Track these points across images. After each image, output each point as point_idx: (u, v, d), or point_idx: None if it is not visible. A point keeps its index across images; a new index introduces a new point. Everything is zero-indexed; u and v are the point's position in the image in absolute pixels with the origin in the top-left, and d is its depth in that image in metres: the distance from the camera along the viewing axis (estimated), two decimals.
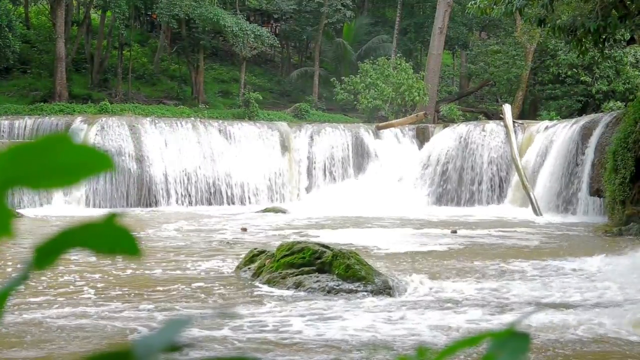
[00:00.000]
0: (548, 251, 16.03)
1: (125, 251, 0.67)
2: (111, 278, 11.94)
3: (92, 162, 0.65)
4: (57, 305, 9.75)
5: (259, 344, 8.05)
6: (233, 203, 27.93)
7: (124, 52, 36.84)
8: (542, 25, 18.60)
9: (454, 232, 19.40)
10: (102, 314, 9.30)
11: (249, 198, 28.37)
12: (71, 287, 11.14)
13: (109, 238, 0.65)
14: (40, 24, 41.01)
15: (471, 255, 15.05)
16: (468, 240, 17.85)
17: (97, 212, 24.37)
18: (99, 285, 11.33)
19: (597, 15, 16.92)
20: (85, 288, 11.08)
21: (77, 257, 14.15)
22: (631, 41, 21.45)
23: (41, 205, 24.85)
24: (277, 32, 43.09)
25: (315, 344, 8.05)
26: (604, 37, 17.77)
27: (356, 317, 9.19)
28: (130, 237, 0.66)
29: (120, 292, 10.78)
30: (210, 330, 8.39)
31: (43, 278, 11.71)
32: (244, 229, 19.45)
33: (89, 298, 10.39)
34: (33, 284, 11.29)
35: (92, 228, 0.65)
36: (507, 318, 9.28)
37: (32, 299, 10.15)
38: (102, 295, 10.54)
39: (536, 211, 24.46)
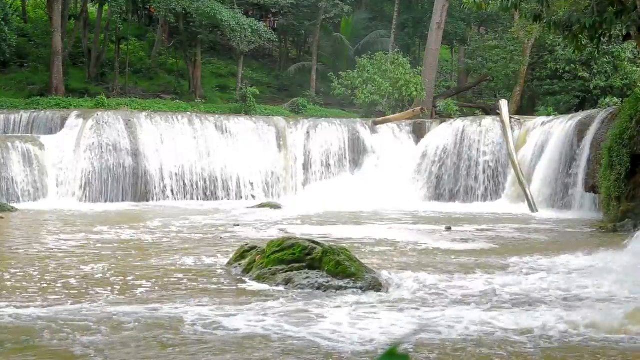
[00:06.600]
0: (543, 247, 15.99)
1: None
2: (103, 272, 11.90)
3: None
4: (38, 300, 9.73)
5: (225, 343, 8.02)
6: (229, 198, 27.87)
7: (121, 46, 36.72)
8: (538, 21, 18.50)
9: (449, 228, 19.33)
10: (89, 309, 9.24)
11: (245, 193, 28.31)
12: (44, 284, 11.10)
13: None
14: (38, 17, 40.89)
15: (465, 252, 15.01)
16: (462, 236, 17.80)
17: (92, 207, 24.33)
18: (88, 279, 11.28)
19: (593, 11, 16.82)
20: (75, 284, 11.04)
21: (62, 254, 14.14)
22: (627, 37, 21.36)
23: (36, 199, 24.79)
24: (275, 26, 43.00)
25: (285, 342, 7.99)
26: (600, 33, 17.66)
27: (340, 315, 9.14)
28: None
29: (110, 286, 10.73)
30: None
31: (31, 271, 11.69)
32: (237, 225, 19.41)
33: (80, 294, 10.34)
34: (30, 278, 11.27)
35: None
36: (498, 316, 9.23)
37: (26, 294, 10.12)
38: (92, 290, 10.49)
39: (532, 207, 24.41)
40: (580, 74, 33.79)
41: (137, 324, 8.58)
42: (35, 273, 11.73)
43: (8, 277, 11.42)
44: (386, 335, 8.20)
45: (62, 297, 10.09)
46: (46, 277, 11.40)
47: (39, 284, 10.89)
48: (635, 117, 19.65)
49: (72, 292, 10.45)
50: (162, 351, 7.60)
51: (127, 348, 7.65)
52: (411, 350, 7.69)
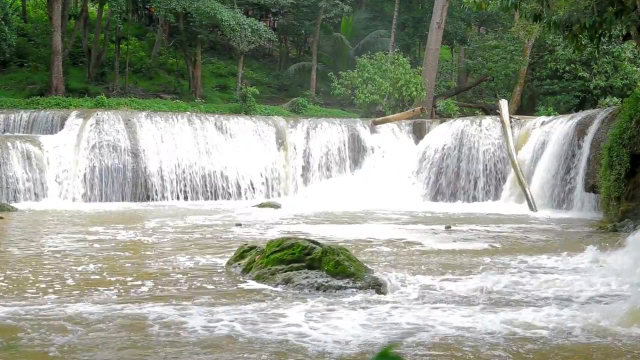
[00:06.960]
0: (542, 247, 15.99)
1: None
2: (101, 273, 11.90)
3: None
4: (31, 300, 9.73)
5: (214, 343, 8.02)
6: (228, 198, 27.88)
7: (121, 45, 36.72)
8: (538, 21, 18.51)
9: (448, 227, 19.35)
10: (87, 308, 9.24)
11: (245, 193, 28.31)
12: (42, 285, 11.10)
13: None
14: (38, 17, 40.91)
15: (465, 252, 15.00)
16: (462, 236, 17.80)
17: (92, 207, 24.33)
18: (84, 279, 11.29)
19: (593, 11, 16.83)
20: (72, 284, 11.04)
21: (51, 255, 14.14)
22: (627, 37, 21.37)
23: (36, 199, 24.79)
24: (275, 26, 43.01)
25: (282, 342, 7.99)
26: (600, 33, 17.67)
27: (340, 314, 9.14)
28: None
29: (108, 285, 10.72)
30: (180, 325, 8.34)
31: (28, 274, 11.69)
32: (239, 225, 19.40)
33: (78, 294, 10.33)
34: (25, 279, 11.28)
35: None
36: (497, 316, 9.23)
37: (23, 294, 10.12)
38: (90, 288, 10.49)
39: (532, 207, 24.42)
40: (580, 73, 33.80)
41: (133, 323, 8.58)
42: (30, 274, 11.71)
43: (2, 277, 11.39)
44: (385, 335, 8.20)
45: (58, 297, 10.07)
46: (41, 278, 11.37)
47: (36, 285, 10.88)
48: (635, 117, 19.65)
49: (70, 292, 10.44)
50: (158, 351, 7.59)
51: (121, 349, 7.65)
52: (403, 350, 7.68)
